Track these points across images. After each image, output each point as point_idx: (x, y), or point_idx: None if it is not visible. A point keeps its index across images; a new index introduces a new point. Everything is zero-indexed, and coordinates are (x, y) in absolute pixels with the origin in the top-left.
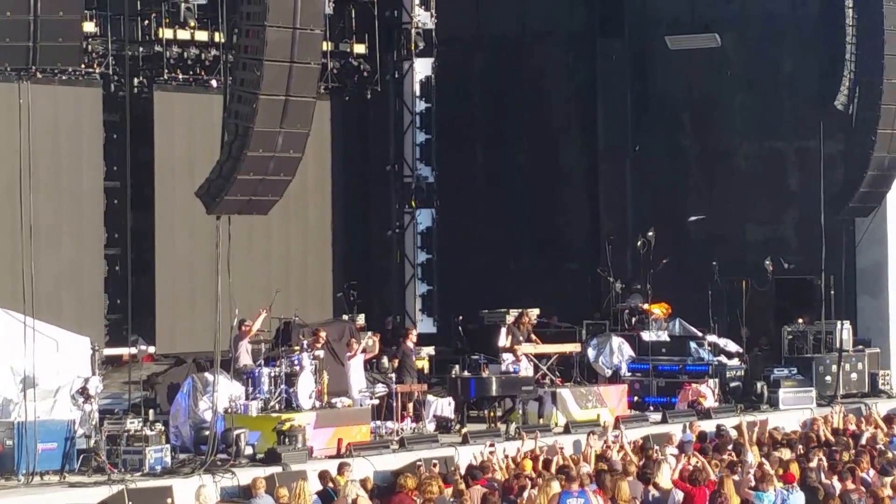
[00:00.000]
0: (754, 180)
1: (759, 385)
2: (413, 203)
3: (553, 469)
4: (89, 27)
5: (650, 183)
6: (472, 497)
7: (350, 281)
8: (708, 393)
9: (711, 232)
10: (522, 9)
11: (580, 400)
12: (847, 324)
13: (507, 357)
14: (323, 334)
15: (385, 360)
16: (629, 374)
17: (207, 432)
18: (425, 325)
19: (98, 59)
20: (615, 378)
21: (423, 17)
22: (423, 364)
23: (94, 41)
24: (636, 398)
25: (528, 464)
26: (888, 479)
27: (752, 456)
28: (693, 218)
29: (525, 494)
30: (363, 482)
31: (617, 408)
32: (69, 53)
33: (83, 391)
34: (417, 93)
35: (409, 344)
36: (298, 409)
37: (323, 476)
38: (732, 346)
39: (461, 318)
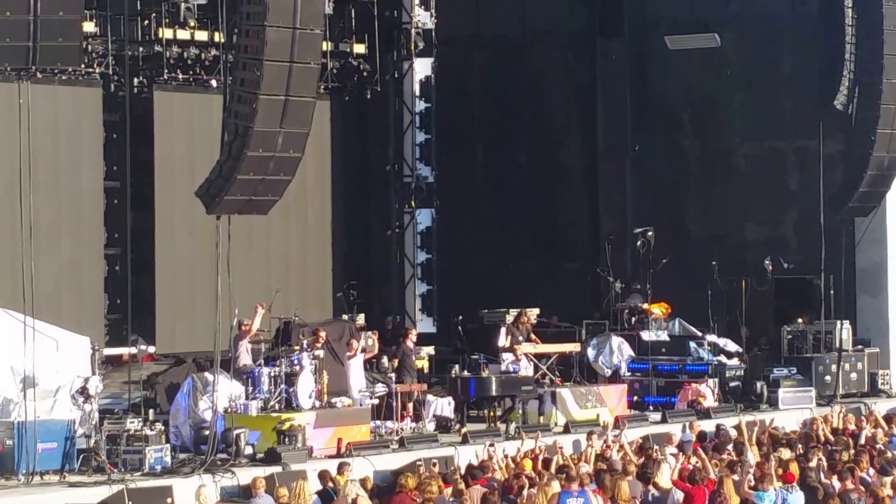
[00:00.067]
0: (754, 180)
1: (758, 385)
2: (413, 203)
3: (553, 469)
4: (89, 27)
5: (650, 183)
6: (472, 497)
7: (350, 281)
8: (707, 393)
9: (711, 232)
10: (522, 9)
11: (580, 400)
12: (846, 323)
13: (507, 357)
14: (323, 334)
15: (385, 359)
16: (629, 373)
17: (207, 432)
18: (425, 324)
19: (98, 59)
20: (615, 378)
21: (423, 17)
22: (423, 364)
23: (94, 41)
24: (636, 398)
25: (528, 463)
26: (888, 479)
27: (753, 455)
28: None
29: (525, 494)
30: (363, 482)
31: (616, 407)
32: (69, 53)
33: (83, 391)
34: (417, 93)
35: (409, 344)
36: (298, 409)
37: (323, 476)
38: (732, 346)
39: (461, 317)
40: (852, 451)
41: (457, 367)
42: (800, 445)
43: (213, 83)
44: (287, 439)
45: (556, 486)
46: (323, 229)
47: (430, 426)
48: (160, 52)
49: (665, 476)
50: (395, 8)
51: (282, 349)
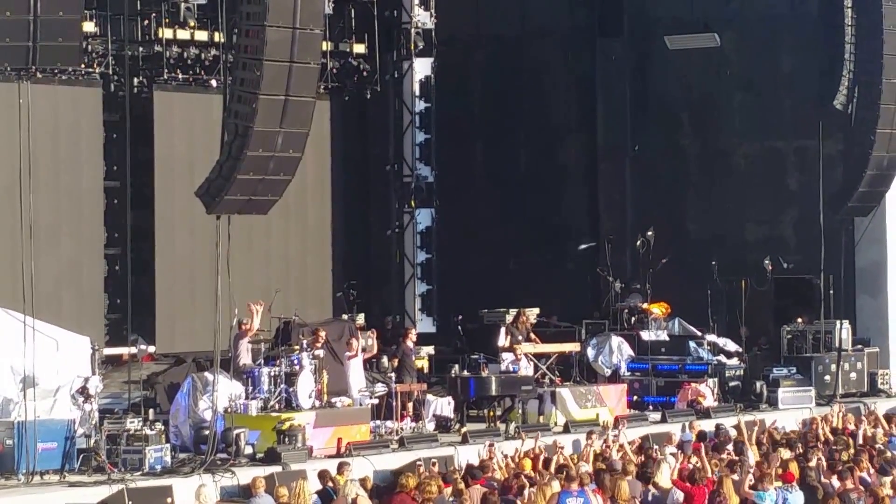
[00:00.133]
0: (753, 180)
1: (758, 384)
2: (412, 203)
3: (552, 468)
4: (89, 27)
5: (650, 182)
6: (472, 497)
7: (350, 280)
8: (707, 392)
9: (711, 231)
10: (522, 8)
11: (579, 399)
12: (846, 323)
13: (507, 357)
14: (322, 334)
15: (385, 359)
16: (628, 373)
17: (207, 432)
18: (425, 324)
19: (98, 59)
20: (614, 377)
21: (423, 17)
22: (423, 363)
23: (94, 41)
24: (635, 398)
25: (528, 463)
26: (887, 479)
27: (753, 455)
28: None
29: (525, 494)
30: (363, 481)
31: (616, 407)
32: (69, 53)
33: (83, 391)
34: (417, 92)
35: (409, 343)
36: (298, 409)
37: (322, 475)
38: (732, 346)
39: (461, 317)
40: (852, 451)
41: (456, 366)
42: (799, 445)
43: (213, 83)
44: (287, 439)
45: (555, 486)
46: (323, 229)
47: (430, 426)
48: (160, 52)
49: (665, 476)
50: (395, 8)
51: (282, 349)
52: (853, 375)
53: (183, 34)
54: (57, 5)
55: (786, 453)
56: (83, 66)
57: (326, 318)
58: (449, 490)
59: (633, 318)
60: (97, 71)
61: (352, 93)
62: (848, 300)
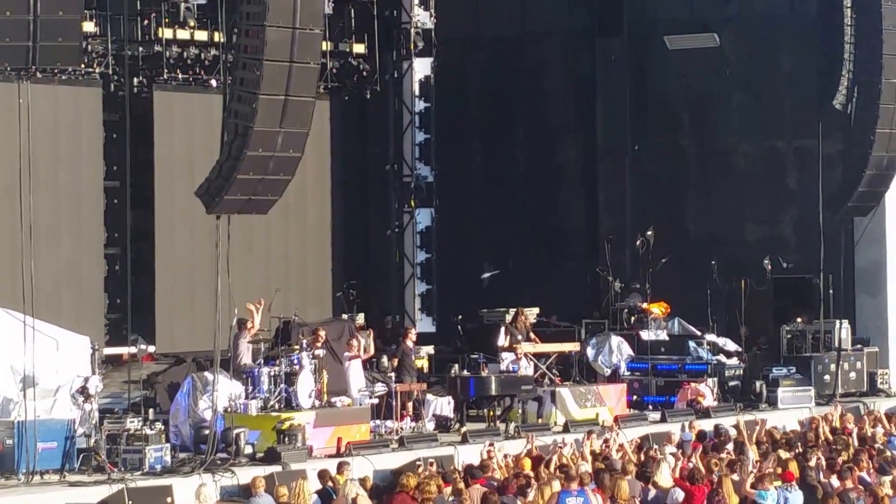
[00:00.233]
0: (753, 180)
1: (757, 384)
2: (412, 202)
3: (552, 468)
4: (89, 27)
5: (649, 182)
6: (472, 496)
7: (349, 280)
8: (707, 392)
9: (710, 231)
10: (522, 8)
11: (579, 399)
12: (846, 323)
13: (507, 356)
14: (322, 333)
15: (385, 359)
16: (628, 373)
17: (207, 431)
18: (424, 324)
19: (98, 59)
20: (614, 377)
21: (423, 17)
22: (423, 363)
23: (93, 41)
24: (635, 397)
25: (528, 463)
26: (887, 478)
27: (753, 455)
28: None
29: (526, 494)
30: (362, 481)
31: (616, 407)
32: (69, 53)
33: (83, 390)
34: (417, 92)
35: (409, 343)
36: (298, 409)
37: (322, 475)
38: (731, 346)
39: (460, 317)
40: (851, 451)
41: (456, 366)
42: (799, 445)
43: (213, 83)
44: (287, 439)
45: (555, 486)
46: (322, 229)
47: (430, 426)
48: (160, 52)
49: (665, 475)
50: (395, 8)
51: (281, 349)
52: (853, 375)
53: (183, 34)
54: (57, 5)
55: (785, 453)
56: (83, 66)
57: (326, 318)
58: (449, 490)
59: (632, 318)
60: (97, 71)
61: (352, 93)
62: (847, 300)
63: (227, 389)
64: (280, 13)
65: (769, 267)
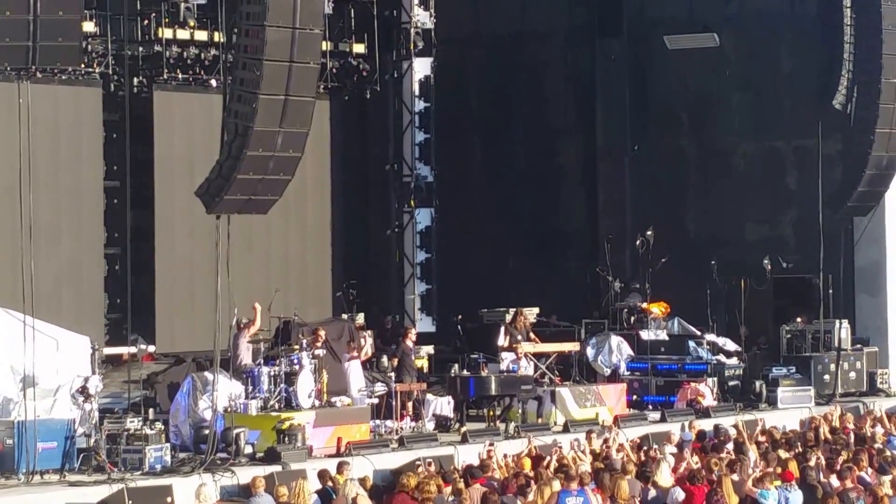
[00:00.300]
0: (753, 179)
1: (757, 384)
2: (412, 202)
3: (552, 468)
4: (89, 27)
5: (649, 182)
6: (472, 496)
7: (349, 280)
8: (707, 392)
9: (710, 231)
10: (521, 8)
11: (579, 399)
12: (845, 323)
13: (507, 356)
14: (322, 333)
15: (384, 359)
16: (628, 372)
17: (207, 431)
18: (424, 324)
19: (98, 59)
20: (614, 377)
21: (423, 17)
22: (423, 363)
23: (93, 41)
24: (635, 397)
25: (527, 462)
26: (886, 478)
27: (754, 454)
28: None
29: (526, 494)
30: (362, 481)
31: (616, 407)
32: (69, 53)
33: (83, 390)
34: (416, 92)
35: (409, 343)
36: (298, 408)
37: (322, 475)
38: (731, 345)
39: (460, 317)
40: (851, 450)
41: (456, 366)
42: (799, 444)
43: (213, 83)
44: (287, 438)
45: (555, 486)
46: (322, 229)
47: (430, 425)
48: (160, 52)
49: (665, 475)
50: (395, 8)
51: (281, 348)
52: (852, 375)
53: (183, 34)
54: (57, 5)
55: (785, 452)
56: (83, 65)
57: (326, 318)
58: (448, 489)
59: (632, 318)
60: (97, 71)
61: (351, 93)
62: (847, 300)
63: (227, 389)
64: (280, 13)
65: (769, 267)
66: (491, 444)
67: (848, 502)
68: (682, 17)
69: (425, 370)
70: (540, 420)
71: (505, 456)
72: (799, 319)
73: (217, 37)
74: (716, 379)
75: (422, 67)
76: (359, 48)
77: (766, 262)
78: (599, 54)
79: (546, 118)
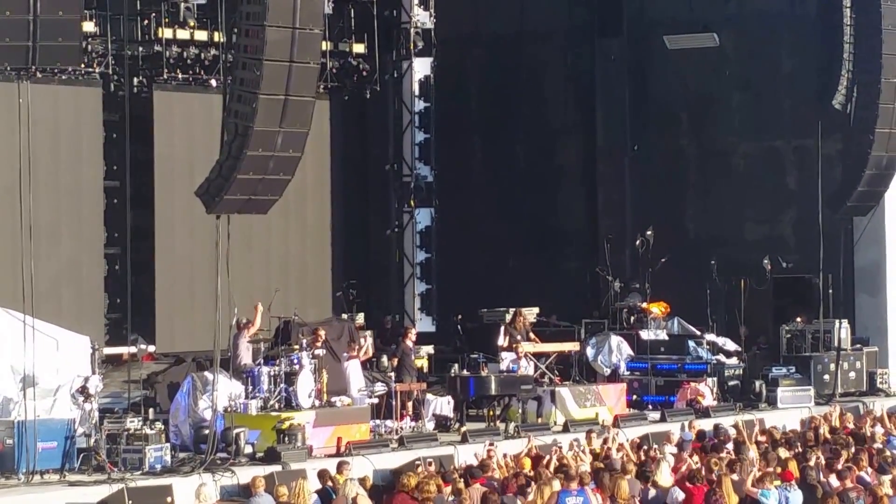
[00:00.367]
0: (752, 179)
1: (757, 384)
2: (412, 202)
3: (552, 468)
4: (89, 27)
5: (649, 182)
6: (472, 496)
7: (349, 280)
8: (707, 392)
9: (710, 231)
10: (521, 8)
11: (579, 399)
12: (845, 322)
13: (507, 356)
14: (322, 333)
15: (384, 358)
16: (628, 372)
17: (207, 431)
18: (424, 323)
19: (98, 59)
20: (614, 377)
21: (422, 17)
22: (423, 363)
23: (93, 41)
24: (635, 397)
25: (527, 462)
26: (886, 478)
27: (754, 454)
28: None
29: (526, 493)
30: (362, 481)
31: (616, 406)
32: (69, 53)
33: (83, 390)
34: (416, 92)
35: (409, 343)
36: (298, 408)
37: (322, 475)
38: (731, 345)
39: (460, 316)
40: (851, 450)
41: (456, 366)
42: (799, 444)
43: (213, 83)
44: (287, 438)
45: (555, 486)
46: (322, 229)
47: (430, 425)
48: (160, 52)
49: (665, 475)
50: (395, 7)
51: (281, 348)
52: (852, 375)
53: (183, 34)
54: (57, 5)
55: (784, 452)
56: (83, 65)
57: (326, 318)
58: (448, 489)
59: (632, 318)
60: (97, 71)
61: (351, 92)
62: (847, 299)
63: (227, 389)
64: (280, 13)
65: (769, 267)
66: (491, 444)
67: (848, 502)
68: (682, 17)
69: (425, 370)
70: (540, 420)
71: (505, 456)
72: (799, 319)
73: (217, 37)
74: (716, 379)
75: (422, 67)
76: (359, 48)
77: (765, 261)
78: (599, 54)
79: (546, 118)
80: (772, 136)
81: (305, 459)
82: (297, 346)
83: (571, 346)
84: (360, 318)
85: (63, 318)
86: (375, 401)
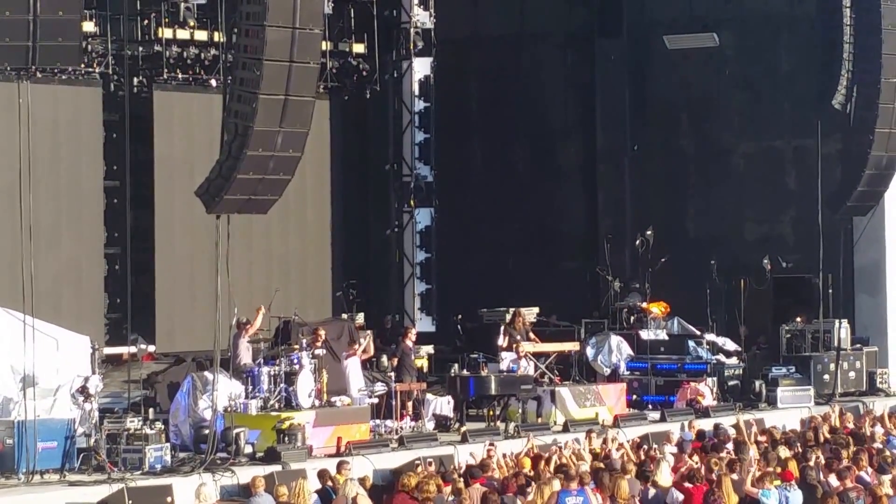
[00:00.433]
0: (752, 179)
1: (757, 384)
2: (412, 202)
3: (552, 467)
4: (89, 27)
5: (649, 182)
6: (472, 496)
7: (349, 280)
8: (706, 392)
9: (710, 231)
10: (521, 8)
11: (579, 399)
12: (845, 322)
13: (507, 356)
14: (322, 333)
15: (384, 358)
16: (628, 372)
17: (207, 431)
18: (424, 323)
19: (98, 59)
20: (614, 377)
21: (422, 17)
22: (423, 363)
23: (93, 41)
24: (635, 397)
25: (527, 462)
26: (886, 478)
27: (754, 453)
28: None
29: (526, 493)
30: (362, 481)
31: (615, 406)
32: (69, 53)
33: (83, 390)
34: (416, 92)
35: (409, 343)
36: (298, 408)
37: (322, 475)
38: (731, 345)
39: (460, 316)
40: (851, 450)
41: (456, 366)
42: (798, 444)
43: (213, 83)
44: (287, 438)
45: (555, 485)
46: (322, 229)
47: (430, 425)
48: (160, 52)
49: (665, 475)
50: (395, 8)
51: (281, 348)
52: (852, 374)
53: (183, 34)
54: (57, 5)
55: (784, 452)
56: (83, 65)
57: (326, 318)
58: (448, 489)
59: (632, 318)
60: (97, 71)
61: (351, 92)
62: (847, 299)
63: (227, 389)
64: (280, 13)
65: (769, 266)
66: (491, 444)
67: (847, 502)
68: (681, 18)
69: (425, 370)
70: (540, 420)
71: (504, 455)
72: (798, 319)
73: (217, 37)
74: (715, 379)
75: (421, 67)
76: (359, 48)
77: (765, 261)
78: (599, 55)
79: (546, 118)
80: (771, 136)
81: (305, 459)
82: (297, 346)
83: (571, 346)
84: (360, 318)
85: (63, 318)
86: (375, 401)
